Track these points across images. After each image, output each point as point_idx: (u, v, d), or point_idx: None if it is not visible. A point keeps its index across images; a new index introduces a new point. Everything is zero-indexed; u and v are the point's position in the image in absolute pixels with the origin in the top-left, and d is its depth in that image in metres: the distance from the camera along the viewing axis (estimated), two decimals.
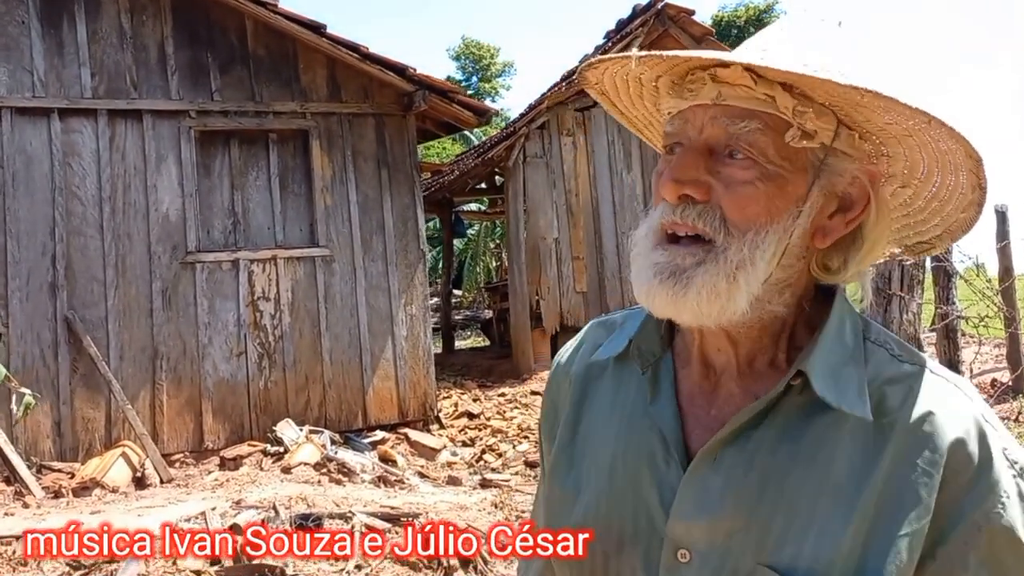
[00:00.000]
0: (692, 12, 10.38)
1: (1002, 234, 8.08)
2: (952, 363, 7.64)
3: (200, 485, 6.27)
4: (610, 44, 10.68)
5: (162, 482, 6.42)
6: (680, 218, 0.88)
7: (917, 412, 0.86)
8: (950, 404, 0.87)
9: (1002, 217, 8.01)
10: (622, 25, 11.02)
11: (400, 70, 7.60)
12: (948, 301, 7.74)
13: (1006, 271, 8.49)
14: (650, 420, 0.96)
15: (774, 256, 0.87)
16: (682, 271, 0.87)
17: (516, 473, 6.85)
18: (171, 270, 7.08)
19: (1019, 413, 6.75)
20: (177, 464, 6.86)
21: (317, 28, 7.31)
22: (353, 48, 7.46)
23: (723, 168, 0.87)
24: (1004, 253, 8.09)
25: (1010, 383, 7.73)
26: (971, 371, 8.16)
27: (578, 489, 1.00)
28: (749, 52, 0.88)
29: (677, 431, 0.94)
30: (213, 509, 5.25)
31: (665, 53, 0.87)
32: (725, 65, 0.86)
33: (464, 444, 7.69)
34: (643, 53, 0.88)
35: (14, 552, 4.42)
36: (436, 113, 8.12)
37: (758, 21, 32.46)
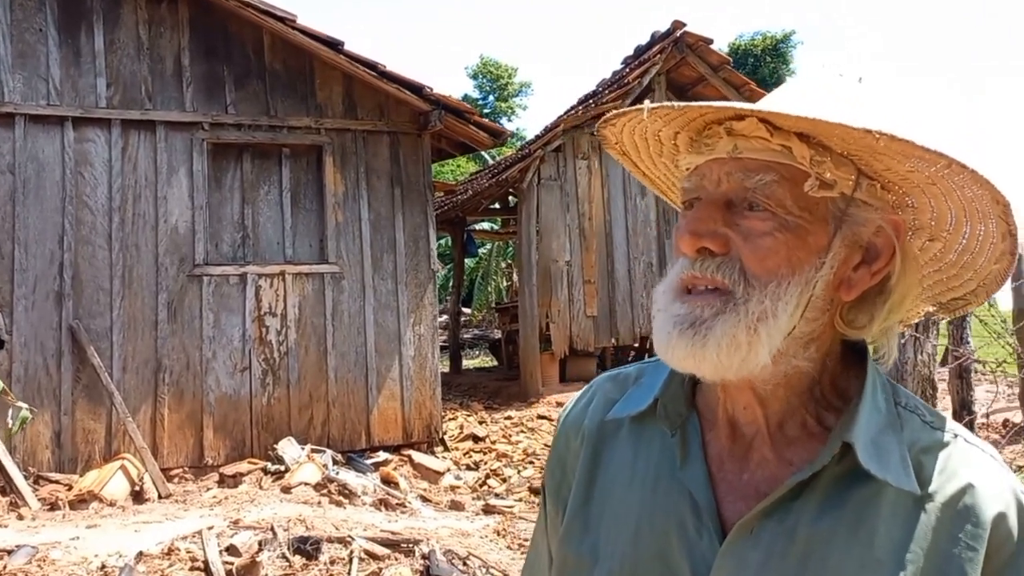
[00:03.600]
0: (710, 41, 10.36)
1: (1017, 273, 7.95)
2: (965, 403, 7.52)
3: (198, 502, 6.19)
4: (628, 70, 10.66)
5: (160, 497, 6.33)
6: (700, 271, 0.87)
7: (957, 484, 0.84)
8: (988, 476, 0.86)
9: (1018, 258, 7.89)
10: (640, 51, 11.01)
11: (417, 89, 7.56)
12: (962, 341, 7.62)
13: (1020, 312, 8.35)
14: (680, 485, 0.92)
15: (797, 308, 0.85)
16: (701, 322, 0.85)
17: (520, 499, 6.73)
18: (178, 282, 7.03)
19: None
20: (176, 479, 6.77)
21: (335, 45, 7.29)
22: (370, 66, 7.44)
23: (742, 221, 0.86)
24: (1019, 293, 7.95)
25: (1022, 424, 7.58)
26: (988, 411, 8.02)
27: (595, 557, 0.95)
28: (763, 105, 0.87)
29: (710, 498, 0.90)
30: (210, 528, 5.16)
31: (677, 104, 0.86)
32: (740, 118, 0.86)
33: (468, 468, 7.59)
34: (655, 105, 0.88)
35: (4, 567, 4.34)
36: (451, 133, 8.07)
37: (774, 50, 32.50)
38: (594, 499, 0.99)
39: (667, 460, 0.95)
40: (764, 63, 31.74)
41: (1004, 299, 8.07)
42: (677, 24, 10.16)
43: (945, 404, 6.98)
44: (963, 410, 6.95)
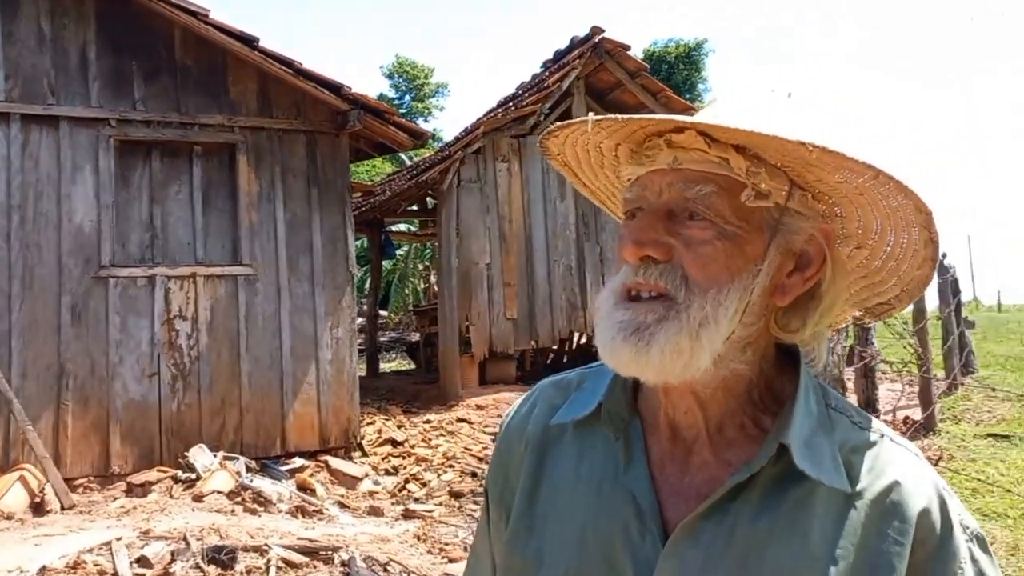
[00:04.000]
0: (628, 47, 10.52)
1: None
2: (870, 401, 7.83)
3: (105, 512, 5.94)
4: (548, 73, 10.74)
5: (63, 508, 6.05)
6: (643, 278, 0.89)
7: (884, 482, 0.88)
8: (913, 474, 0.90)
9: None
10: (560, 55, 11.11)
11: (335, 88, 7.44)
12: (867, 342, 7.95)
13: (919, 313, 8.75)
14: (623, 489, 0.94)
15: (736, 313, 0.88)
16: (645, 327, 0.88)
17: (440, 503, 6.69)
18: (82, 285, 6.74)
19: (940, 451, 6.91)
20: (80, 489, 6.48)
21: (250, 41, 7.11)
22: (287, 63, 7.28)
23: (683, 230, 0.89)
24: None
25: (922, 421, 7.94)
26: (891, 408, 8.37)
27: (540, 561, 0.96)
28: (701, 118, 0.89)
29: (653, 501, 0.92)
30: (119, 539, 4.96)
31: (620, 117, 0.89)
32: (680, 130, 0.89)
33: (387, 472, 7.49)
34: (598, 117, 0.90)
35: None
36: (371, 133, 7.97)
37: (687, 58, 33.26)
38: (539, 503, 1.00)
39: (611, 464, 0.96)
40: (678, 70, 32.44)
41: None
42: (596, 30, 10.29)
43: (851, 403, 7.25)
44: (868, 408, 7.24)
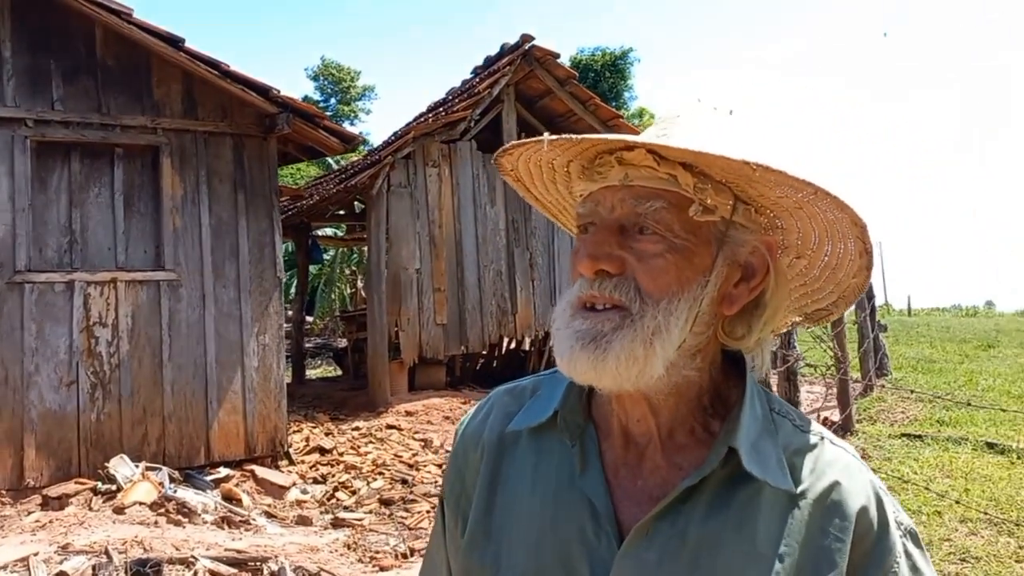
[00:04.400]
0: (557, 55, 10.63)
1: None
2: (792, 403, 8.06)
3: (18, 527, 5.71)
4: (478, 80, 10.77)
5: None
6: (598, 291, 0.92)
7: (825, 482, 0.94)
8: (851, 474, 0.96)
9: None
10: (490, 62, 11.15)
11: (263, 90, 7.32)
12: (789, 345, 8.18)
13: (839, 317, 9.05)
14: (579, 493, 0.97)
15: (687, 322, 0.92)
16: (602, 336, 0.91)
17: (371, 511, 6.63)
18: None
19: (858, 451, 7.15)
20: None
21: (175, 41, 6.93)
22: (213, 64, 7.12)
23: (635, 244, 0.93)
24: None
25: (840, 422, 8.22)
26: (811, 410, 8.63)
27: (498, 565, 0.99)
28: (650, 137, 0.95)
29: (608, 504, 0.95)
30: (36, 555, 4.78)
31: (575, 137, 0.92)
32: (630, 149, 0.93)
33: (315, 481, 7.39)
34: (554, 137, 0.93)
35: None
36: (299, 137, 7.86)
37: (613, 66, 33.69)
38: (495, 509, 1.02)
39: (566, 469, 0.99)
40: (604, 78, 32.84)
41: None
42: (526, 37, 10.36)
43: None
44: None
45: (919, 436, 7.75)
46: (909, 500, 5.75)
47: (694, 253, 0.93)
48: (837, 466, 0.96)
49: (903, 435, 7.88)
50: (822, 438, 0.98)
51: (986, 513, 5.40)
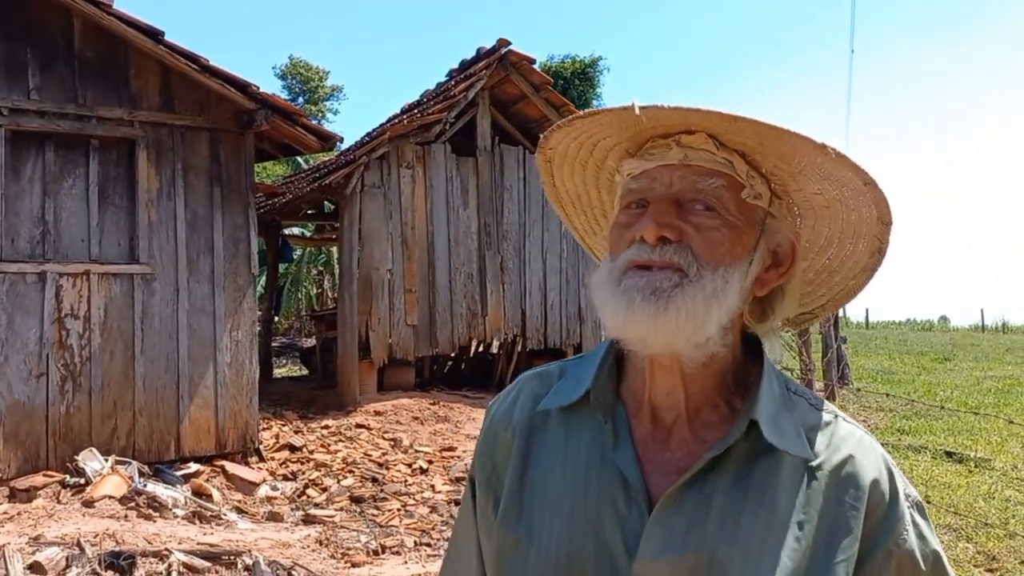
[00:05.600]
0: (533, 60, 10.72)
1: None
2: None
3: None
4: (454, 82, 10.82)
5: None
6: (658, 256, 0.98)
7: (840, 456, 1.01)
8: (865, 449, 1.03)
9: None
10: (466, 65, 11.21)
11: (242, 86, 7.31)
12: None
13: None
14: (611, 466, 1.02)
15: (739, 292, 0.99)
16: (662, 291, 0.96)
17: (341, 508, 6.65)
18: None
19: None
20: None
21: (154, 34, 6.90)
22: (192, 59, 7.10)
23: (692, 217, 0.99)
24: None
25: None
26: None
27: (531, 536, 1.03)
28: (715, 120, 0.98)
29: (639, 477, 1.01)
30: (7, 545, 4.75)
31: (665, 105, 0.95)
32: (690, 132, 1.00)
33: (286, 478, 7.39)
34: (646, 104, 0.95)
35: None
36: (277, 135, 7.85)
37: (583, 74, 33.85)
38: (528, 485, 1.07)
39: (598, 445, 1.05)
40: (573, 85, 32.97)
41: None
42: (502, 42, 10.44)
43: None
44: None
45: (880, 444, 7.95)
46: None
47: (743, 232, 1.00)
48: (851, 441, 1.02)
49: None
50: (836, 416, 1.05)
51: (955, 517, 5.58)
